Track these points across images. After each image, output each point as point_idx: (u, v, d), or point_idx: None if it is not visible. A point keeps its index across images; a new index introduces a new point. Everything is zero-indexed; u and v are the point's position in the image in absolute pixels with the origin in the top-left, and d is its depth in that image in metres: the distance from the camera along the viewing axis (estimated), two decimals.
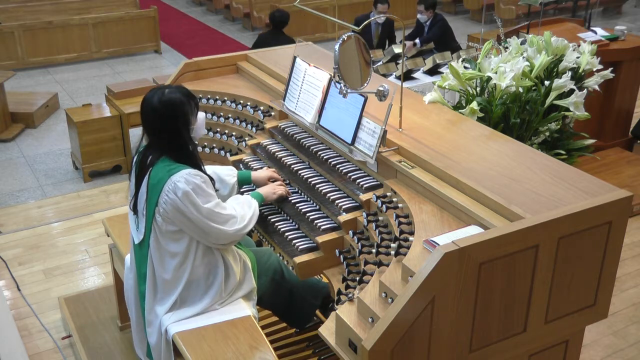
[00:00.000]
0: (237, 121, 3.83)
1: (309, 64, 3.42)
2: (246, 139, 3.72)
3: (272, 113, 3.72)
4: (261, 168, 3.41)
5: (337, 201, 2.97)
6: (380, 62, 6.21)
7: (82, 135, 6.39)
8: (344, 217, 2.88)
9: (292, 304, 3.33)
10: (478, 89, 3.75)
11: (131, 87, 7.03)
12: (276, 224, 3.10)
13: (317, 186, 3.12)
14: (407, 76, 5.85)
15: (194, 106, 2.85)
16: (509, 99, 3.64)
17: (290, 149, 3.47)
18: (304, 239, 2.97)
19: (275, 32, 7.34)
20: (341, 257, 2.82)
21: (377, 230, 2.71)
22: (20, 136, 7.54)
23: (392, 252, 2.50)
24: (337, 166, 3.13)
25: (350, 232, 2.84)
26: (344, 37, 2.87)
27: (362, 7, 10.57)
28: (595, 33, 5.96)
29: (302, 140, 3.40)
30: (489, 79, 3.65)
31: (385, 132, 2.89)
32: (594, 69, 4.06)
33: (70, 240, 5.11)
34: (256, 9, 11.45)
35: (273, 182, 3.26)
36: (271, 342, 3.05)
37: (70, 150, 6.86)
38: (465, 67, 3.77)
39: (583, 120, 3.78)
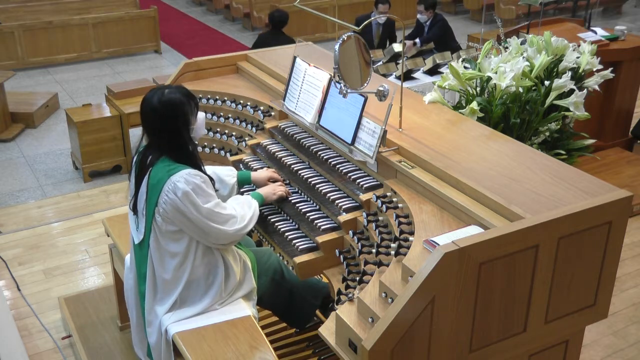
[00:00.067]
0: (237, 121, 3.83)
1: (309, 64, 3.41)
2: (246, 139, 3.71)
3: (272, 113, 3.72)
4: (261, 168, 3.41)
5: (337, 201, 2.97)
6: (380, 62, 6.21)
7: (82, 135, 6.39)
8: (344, 217, 2.88)
9: (292, 304, 3.33)
10: (478, 89, 3.75)
11: (131, 87, 7.02)
12: (276, 224, 3.10)
13: (317, 186, 3.12)
14: (407, 76, 5.84)
15: (193, 106, 2.85)
16: (509, 99, 3.64)
17: (290, 149, 3.47)
18: (304, 239, 2.97)
19: (275, 32, 7.33)
20: (341, 257, 2.82)
21: (377, 230, 2.71)
22: (20, 136, 7.54)
23: (392, 252, 2.50)
24: (337, 166, 3.13)
25: (350, 232, 2.83)
26: (344, 37, 2.86)
27: (362, 7, 10.57)
28: (595, 33, 5.96)
29: (302, 140, 3.40)
30: (489, 79, 3.65)
31: (385, 132, 2.89)
32: (594, 69, 4.06)
33: (70, 240, 5.11)
34: (256, 9, 11.45)
35: (273, 182, 3.26)
36: (271, 342, 3.05)
37: (70, 150, 6.86)
38: (465, 67, 3.77)
39: (583, 120, 3.78)
